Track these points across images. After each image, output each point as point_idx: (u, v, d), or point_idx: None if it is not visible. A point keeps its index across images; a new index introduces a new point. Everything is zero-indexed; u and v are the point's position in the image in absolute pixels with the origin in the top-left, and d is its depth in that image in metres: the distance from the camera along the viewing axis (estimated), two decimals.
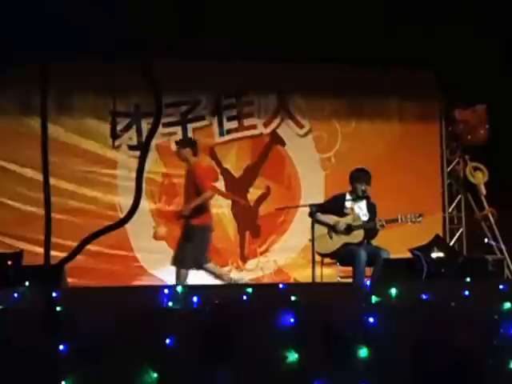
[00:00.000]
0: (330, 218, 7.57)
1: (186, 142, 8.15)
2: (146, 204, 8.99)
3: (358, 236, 7.50)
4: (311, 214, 7.55)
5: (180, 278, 7.57)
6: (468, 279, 6.35)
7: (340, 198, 7.72)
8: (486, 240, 9.68)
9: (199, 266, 7.71)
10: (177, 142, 8.40)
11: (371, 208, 7.67)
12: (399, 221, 7.54)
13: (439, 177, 10.10)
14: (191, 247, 7.63)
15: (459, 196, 10.16)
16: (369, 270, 7.44)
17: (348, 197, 7.69)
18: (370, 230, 7.52)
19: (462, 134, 9.87)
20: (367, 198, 7.70)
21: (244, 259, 9.49)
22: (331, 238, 7.55)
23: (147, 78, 2.21)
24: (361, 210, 7.65)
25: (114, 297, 4.63)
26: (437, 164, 10.09)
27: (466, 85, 9.23)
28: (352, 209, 7.64)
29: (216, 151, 9.54)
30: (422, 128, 10.01)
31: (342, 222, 7.52)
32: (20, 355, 3.14)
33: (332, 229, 7.53)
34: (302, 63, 9.18)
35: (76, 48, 7.53)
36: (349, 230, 7.51)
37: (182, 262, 7.64)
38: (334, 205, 7.68)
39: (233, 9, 7.76)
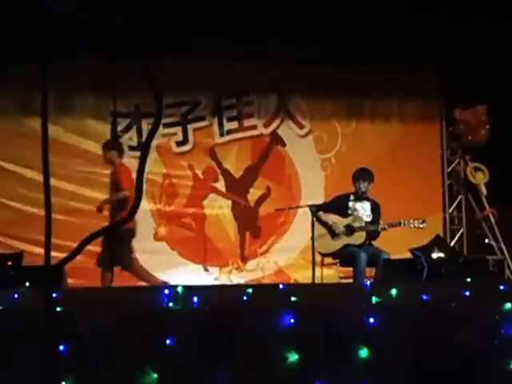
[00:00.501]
0: (332, 218, 7.57)
1: (112, 144, 8.13)
2: (146, 204, 8.98)
3: (359, 237, 7.49)
4: (313, 213, 7.55)
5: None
6: (468, 279, 6.34)
7: (344, 199, 7.73)
8: (486, 240, 9.68)
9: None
10: (104, 144, 8.33)
11: (375, 209, 7.67)
12: (402, 225, 7.53)
13: (440, 177, 10.10)
14: (125, 247, 7.73)
15: (460, 196, 10.16)
16: (369, 271, 7.44)
17: (352, 197, 7.70)
18: (372, 231, 7.52)
19: (463, 135, 9.87)
20: (369, 198, 7.70)
21: (244, 260, 9.49)
22: (333, 238, 7.54)
23: (147, 78, 2.21)
24: (364, 210, 7.63)
25: (114, 297, 4.62)
26: (437, 164, 10.10)
27: (466, 85, 9.23)
28: (355, 209, 7.63)
29: (216, 152, 9.54)
30: (422, 128, 10.02)
31: (341, 225, 7.52)
32: (20, 355, 3.14)
33: (330, 231, 7.53)
34: (303, 64, 9.18)
35: (76, 48, 7.52)
36: (350, 231, 7.50)
37: (123, 262, 7.77)
38: (338, 205, 7.68)
39: (233, 9, 7.76)
